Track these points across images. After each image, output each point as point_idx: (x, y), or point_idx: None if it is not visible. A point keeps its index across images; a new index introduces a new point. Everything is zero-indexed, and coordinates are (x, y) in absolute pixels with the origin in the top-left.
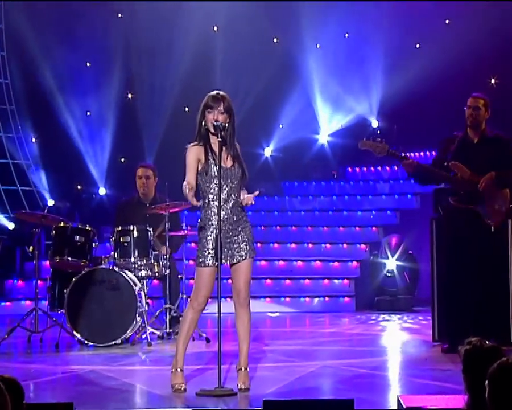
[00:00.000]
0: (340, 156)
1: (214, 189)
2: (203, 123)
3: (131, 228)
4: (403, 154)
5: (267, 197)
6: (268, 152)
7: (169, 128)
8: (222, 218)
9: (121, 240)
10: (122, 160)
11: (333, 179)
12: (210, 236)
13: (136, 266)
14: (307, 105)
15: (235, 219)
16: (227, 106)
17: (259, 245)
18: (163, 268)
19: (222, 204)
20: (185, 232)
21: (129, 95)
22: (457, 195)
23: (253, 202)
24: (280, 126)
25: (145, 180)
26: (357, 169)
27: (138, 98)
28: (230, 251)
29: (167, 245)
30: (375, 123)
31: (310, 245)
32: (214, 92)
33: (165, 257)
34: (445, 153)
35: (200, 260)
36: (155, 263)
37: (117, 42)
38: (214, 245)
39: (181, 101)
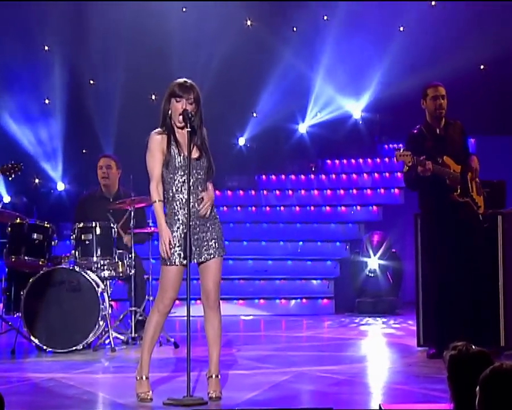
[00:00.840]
0: (319, 148)
1: (179, 181)
2: (169, 112)
3: (93, 225)
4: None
5: (240, 191)
6: (242, 142)
7: (134, 117)
8: (182, 216)
9: (82, 238)
10: (84, 151)
11: (311, 171)
12: (177, 232)
13: (99, 265)
14: (285, 92)
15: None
16: (196, 95)
17: (231, 242)
18: (128, 268)
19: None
20: (152, 228)
21: (91, 82)
22: (455, 190)
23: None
24: (254, 115)
25: (106, 169)
26: (337, 161)
27: (101, 85)
28: (197, 249)
29: (132, 242)
30: (357, 114)
31: (286, 243)
32: (182, 80)
33: (130, 255)
34: (419, 151)
35: (165, 258)
36: (119, 263)
37: (76, 25)
38: (181, 241)
39: (148, 88)
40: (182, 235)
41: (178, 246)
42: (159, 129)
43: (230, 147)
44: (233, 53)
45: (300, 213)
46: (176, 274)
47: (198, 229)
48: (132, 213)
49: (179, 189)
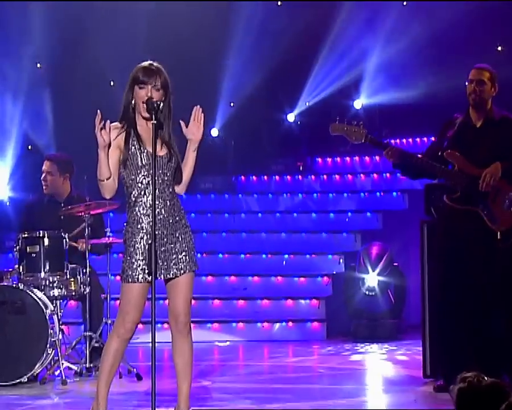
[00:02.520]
0: (308, 143)
1: (142, 182)
2: (132, 101)
3: (41, 235)
4: (386, 141)
5: (214, 195)
6: (214, 133)
7: (90, 108)
8: (145, 224)
9: (28, 250)
10: (29, 147)
11: (298, 171)
12: (139, 243)
13: (48, 282)
14: (269, 77)
15: (171, 221)
16: (163, 80)
17: (204, 255)
18: (82, 285)
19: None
20: (110, 239)
21: (38, 65)
22: (454, 193)
23: None
24: (232, 104)
25: (46, 175)
26: (329, 160)
27: (51, 69)
28: (165, 263)
29: (87, 255)
30: (358, 104)
31: (269, 256)
32: (147, 63)
33: (84, 270)
34: (441, 140)
35: (127, 274)
36: (72, 280)
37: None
38: (144, 254)
39: (107, 74)
40: (147, 246)
41: (141, 260)
42: (116, 123)
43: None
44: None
45: (285, 220)
46: (138, 293)
47: (165, 239)
48: (87, 220)
49: (142, 192)
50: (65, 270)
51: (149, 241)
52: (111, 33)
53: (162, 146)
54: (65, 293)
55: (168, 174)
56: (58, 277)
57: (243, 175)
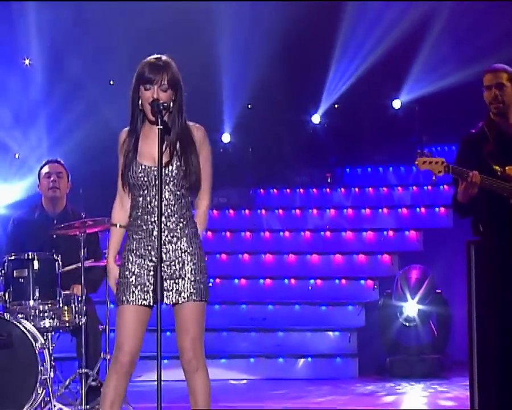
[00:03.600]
0: (337, 150)
1: (138, 201)
2: (139, 103)
3: (30, 257)
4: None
5: (230, 211)
6: (226, 139)
7: (87, 111)
8: (148, 243)
9: (15, 274)
10: (16, 155)
11: (326, 184)
12: (134, 264)
13: (37, 312)
14: (289, 72)
15: (175, 241)
16: (171, 77)
17: (218, 280)
18: (77, 315)
19: (149, 219)
20: None
21: (27, 62)
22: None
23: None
24: (249, 106)
25: (56, 177)
26: (360, 170)
27: (42, 65)
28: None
29: (83, 282)
30: (397, 104)
31: (293, 281)
32: (153, 57)
33: (79, 298)
34: (476, 159)
35: (117, 296)
36: (65, 309)
37: None
38: (139, 271)
39: (107, 70)
40: (137, 269)
41: (133, 278)
42: (126, 129)
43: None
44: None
45: (311, 240)
46: (132, 318)
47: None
48: (83, 240)
49: (140, 211)
50: (58, 298)
51: (150, 264)
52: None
53: (166, 154)
54: (58, 324)
55: (172, 186)
56: (49, 305)
57: (263, 187)
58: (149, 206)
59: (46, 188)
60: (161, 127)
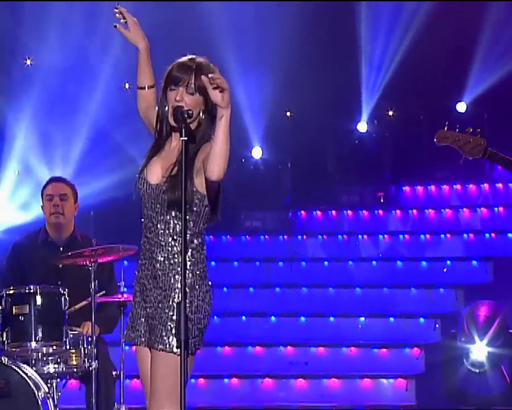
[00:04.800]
0: (391, 165)
1: (148, 218)
2: (166, 107)
3: (32, 290)
4: None
5: (264, 236)
6: (257, 155)
7: (99, 118)
8: (139, 273)
9: (14, 311)
10: (16, 172)
11: (378, 204)
12: (138, 297)
13: (40, 355)
14: (331, 73)
15: (161, 273)
16: (201, 81)
17: (250, 318)
18: (87, 359)
19: (147, 245)
20: (124, 296)
21: (28, 62)
22: None
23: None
24: (289, 113)
25: (59, 200)
26: (420, 188)
27: (44, 65)
28: (143, 326)
29: (94, 320)
30: (462, 107)
31: (338, 319)
32: (186, 58)
33: (89, 339)
34: None
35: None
36: (73, 351)
37: None
38: (134, 310)
39: (121, 73)
40: (141, 305)
41: (132, 316)
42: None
43: (242, 163)
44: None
45: (360, 271)
46: (139, 358)
47: (151, 296)
48: (93, 271)
49: (147, 233)
50: (64, 339)
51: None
52: None
53: (170, 168)
54: (64, 370)
55: (162, 209)
56: (54, 347)
57: (304, 209)
58: (149, 228)
59: (49, 213)
60: (186, 138)
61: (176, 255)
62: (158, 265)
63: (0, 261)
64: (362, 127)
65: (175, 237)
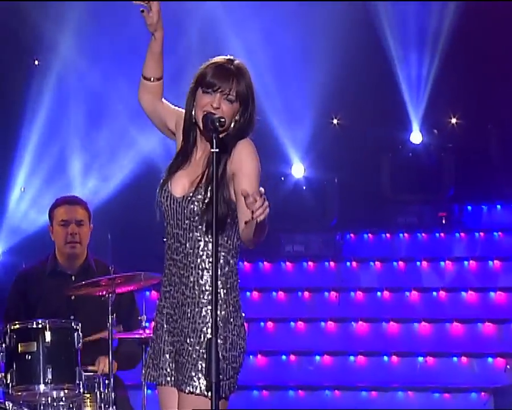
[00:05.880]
0: (453, 182)
1: (174, 237)
2: (193, 111)
3: (40, 325)
4: None
5: (308, 263)
6: (299, 172)
7: (117, 126)
8: (162, 302)
9: (20, 349)
10: (22, 189)
11: (440, 226)
12: (160, 330)
13: (51, 400)
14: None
15: (191, 301)
16: (243, 89)
17: (292, 357)
18: (103, 405)
19: (174, 268)
20: (147, 331)
21: (36, 62)
22: None
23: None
24: (335, 121)
25: (76, 229)
26: (485, 209)
27: (54, 66)
28: (168, 364)
29: (111, 357)
30: None
31: (394, 358)
32: (223, 58)
33: (106, 381)
34: None
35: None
36: (87, 395)
37: None
38: (154, 346)
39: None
40: (165, 339)
41: (152, 352)
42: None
43: (280, 181)
44: None
45: (419, 302)
46: (162, 399)
47: (177, 328)
48: (111, 303)
49: (169, 254)
50: (77, 381)
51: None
52: None
53: (191, 181)
54: None
55: (194, 225)
56: (66, 391)
57: (353, 231)
58: (175, 249)
59: (63, 242)
60: (217, 150)
61: (208, 280)
62: (188, 291)
63: (5, 289)
64: (416, 137)
65: (207, 258)
